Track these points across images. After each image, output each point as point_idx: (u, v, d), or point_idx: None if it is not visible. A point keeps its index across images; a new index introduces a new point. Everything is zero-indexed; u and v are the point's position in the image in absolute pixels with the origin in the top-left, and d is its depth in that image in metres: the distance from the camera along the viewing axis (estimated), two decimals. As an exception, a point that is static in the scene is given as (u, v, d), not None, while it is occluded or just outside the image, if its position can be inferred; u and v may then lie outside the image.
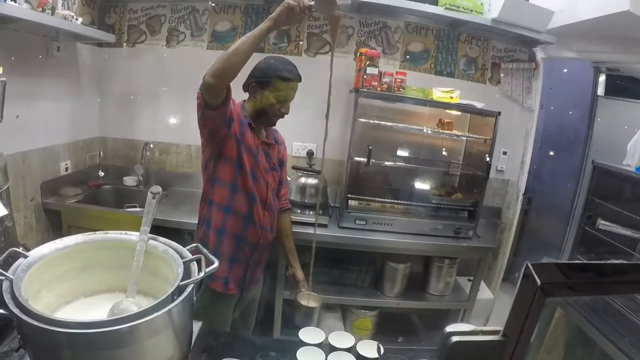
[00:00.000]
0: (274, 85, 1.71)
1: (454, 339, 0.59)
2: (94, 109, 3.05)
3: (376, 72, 2.51)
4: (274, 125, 1.88)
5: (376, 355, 1.22)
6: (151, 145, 3.03)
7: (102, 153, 3.11)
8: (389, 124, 2.62)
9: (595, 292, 0.62)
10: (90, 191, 2.83)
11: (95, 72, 2.99)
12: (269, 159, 1.85)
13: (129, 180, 3.00)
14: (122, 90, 3.03)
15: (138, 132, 3.07)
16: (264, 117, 1.79)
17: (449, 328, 0.60)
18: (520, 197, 3.08)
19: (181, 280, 0.96)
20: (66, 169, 2.77)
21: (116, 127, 3.10)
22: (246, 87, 1.79)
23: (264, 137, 1.84)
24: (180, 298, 0.92)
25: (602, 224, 2.67)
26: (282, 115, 1.79)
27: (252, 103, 1.78)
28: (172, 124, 3.05)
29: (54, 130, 2.65)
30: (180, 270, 1.00)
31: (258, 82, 1.73)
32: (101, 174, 3.03)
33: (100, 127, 3.10)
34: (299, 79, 1.75)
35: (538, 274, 0.53)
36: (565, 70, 3.64)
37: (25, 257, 0.98)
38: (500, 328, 0.58)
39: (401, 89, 2.58)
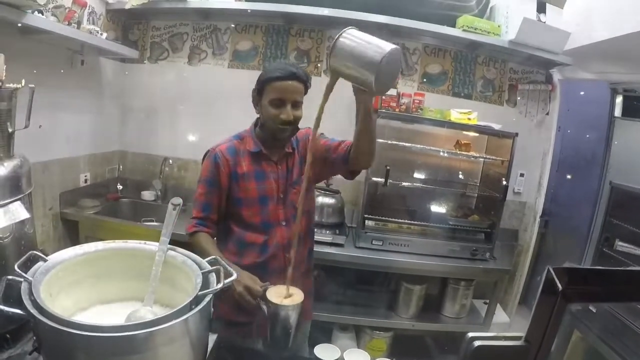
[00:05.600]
0: (266, 90, 1.48)
1: (477, 343, 0.59)
2: (115, 122, 3.10)
3: (394, 93, 2.53)
4: (285, 139, 1.57)
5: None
6: (170, 161, 3.06)
7: (121, 166, 3.16)
8: (407, 144, 2.63)
9: (618, 299, 0.61)
10: (108, 204, 2.87)
11: (118, 87, 3.05)
12: (290, 174, 1.61)
13: (147, 195, 3.03)
14: (143, 105, 3.09)
15: (157, 147, 3.11)
16: (269, 132, 1.54)
17: (472, 333, 0.60)
18: (537, 220, 3.05)
19: (199, 291, 0.96)
20: (85, 181, 2.82)
21: (136, 142, 3.15)
22: (254, 104, 1.58)
23: (280, 152, 1.60)
24: (198, 308, 0.92)
25: (620, 245, 2.63)
26: (284, 123, 1.48)
27: (260, 121, 1.58)
28: (192, 141, 3.08)
29: (75, 141, 2.70)
30: (199, 280, 1.01)
31: (255, 93, 1.55)
32: (120, 187, 3.07)
33: (120, 140, 3.15)
34: (294, 76, 1.45)
35: (560, 279, 0.53)
36: (582, 93, 3.63)
37: (45, 260, 1.00)
38: (522, 334, 0.58)
39: (419, 110, 2.59)
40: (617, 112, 3.22)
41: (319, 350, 1.32)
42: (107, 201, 2.89)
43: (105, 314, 1.11)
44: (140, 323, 0.84)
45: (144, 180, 3.11)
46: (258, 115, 1.59)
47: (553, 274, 0.53)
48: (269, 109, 1.48)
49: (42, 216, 2.46)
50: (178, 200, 1.16)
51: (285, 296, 1.26)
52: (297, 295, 1.26)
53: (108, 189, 3.03)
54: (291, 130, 1.54)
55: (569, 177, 3.74)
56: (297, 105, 1.49)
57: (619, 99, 3.19)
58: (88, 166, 2.85)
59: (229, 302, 1.49)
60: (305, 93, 1.53)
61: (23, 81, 1.29)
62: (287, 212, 1.60)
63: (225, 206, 1.57)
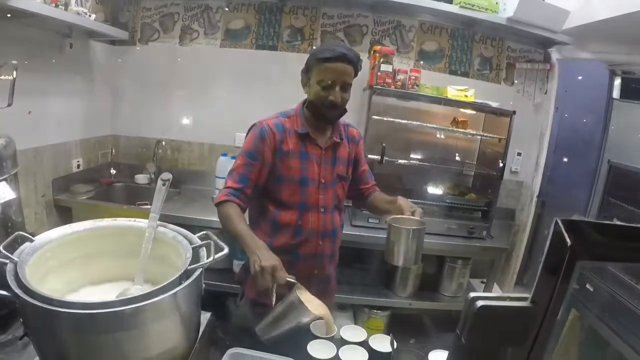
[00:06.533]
0: (315, 71, 1.47)
1: (480, 303, 0.54)
2: (107, 106, 3.05)
3: (390, 69, 2.49)
4: (332, 122, 1.56)
5: (389, 350, 1.19)
6: (163, 143, 3.03)
7: (114, 151, 3.11)
8: (403, 121, 2.60)
9: (633, 258, 0.55)
10: (102, 188, 2.84)
11: (108, 70, 3.00)
12: (335, 165, 1.59)
13: (141, 178, 3.00)
14: (134, 87, 3.04)
15: (150, 130, 3.07)
16: (317, 113, 1.52)
17: (474, 293, 0.56)
18: (535, 199, 3.03)
19: (189, 265, 0.95)
20: (78, 166, 2.78)
21: (128, 125, 3.10)
22: (303, 84, 1.57)
23: (328, 140, 1.58)
24: (187, 282, 0.91)
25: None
26: (333, 106, 1.47)
27: (307, 101, 1.56)
28: (185, 122, 3.05)
29: (66, 127, 2.65)
30: (189, 255, 1.00)
31: (304, 72, 1.54)
32: (113, 171, 3.04)
33: (112, 124, 3.11)
34: (344, 58, 1.43)
35: (568, 233, 0.47)
36: (580, 78, 3.60)
37: (32, 241, 0.98)
38: (528, 295, 0.53)
39: (415, 87, 2.55)
40: (616, 94, 3.20)
41: (315, 327, 1.30)
42: (100, 186, 2.86)
43: (96, 294, 1.09)
44: (128, 298, 0.82)
45: (138, 164, 3.07)
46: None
47: (561, 226, 0.47)
48: (318, 90, 1.46)
49: (35, 203, 2.42)
50: (167, 175, 1.15)
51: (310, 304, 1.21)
52: (322, 310, 1.22)
53: (101, 173, 2.99)
54: (338, 112, 1.52)
55: (565, 159, 3.72)
56: (346, 87, 1.48)
57: (617, 81, 3.17)
58: (80, 151, 2.80)
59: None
60: (356, 75, 1.50)
61: (14, 73, 1.26)
62: (327, 200, 1.57)
63: (264, 184, 1.53)
